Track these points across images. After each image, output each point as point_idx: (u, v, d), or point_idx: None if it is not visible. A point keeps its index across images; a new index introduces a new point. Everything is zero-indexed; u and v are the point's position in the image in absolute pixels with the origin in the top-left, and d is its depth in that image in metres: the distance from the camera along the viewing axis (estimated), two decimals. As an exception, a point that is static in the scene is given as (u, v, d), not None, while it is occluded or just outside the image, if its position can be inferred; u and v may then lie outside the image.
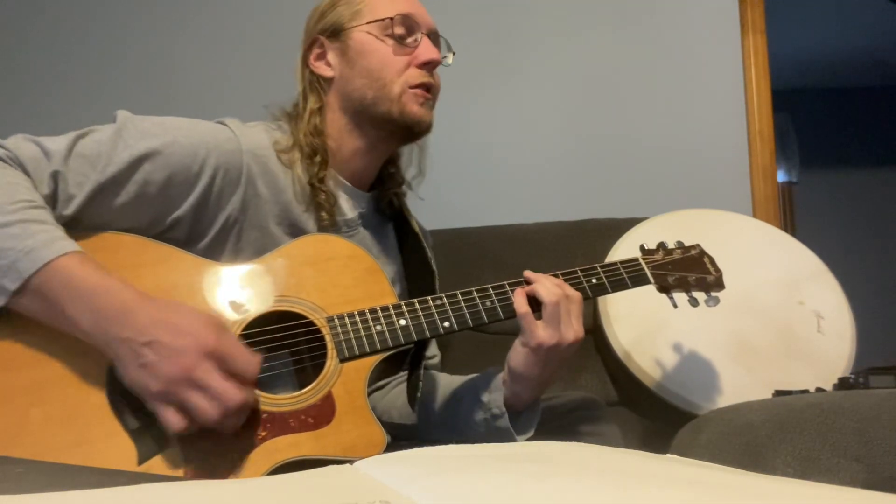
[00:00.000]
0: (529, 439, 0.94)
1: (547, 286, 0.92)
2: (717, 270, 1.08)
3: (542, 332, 0.90)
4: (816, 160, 4.36)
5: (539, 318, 0.92)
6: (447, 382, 1.08)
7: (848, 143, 4.45)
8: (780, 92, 2.20)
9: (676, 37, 1.93)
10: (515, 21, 1.94)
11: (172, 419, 0.73)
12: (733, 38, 1.93)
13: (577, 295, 0.93)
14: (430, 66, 1.01)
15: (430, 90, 1.01)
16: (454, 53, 1.08)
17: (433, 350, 1.20)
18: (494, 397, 0.95)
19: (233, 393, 0.73)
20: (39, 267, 0.73)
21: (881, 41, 3.90)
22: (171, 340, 0.72)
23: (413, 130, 1.01)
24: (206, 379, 0.72)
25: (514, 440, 0.93)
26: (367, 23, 1.00)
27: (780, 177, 4.18)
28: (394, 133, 1.02)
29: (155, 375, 0.72)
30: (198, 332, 0.73)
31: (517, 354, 0.93)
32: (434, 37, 1.04)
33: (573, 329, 0.91)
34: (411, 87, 0.99)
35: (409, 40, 1.00)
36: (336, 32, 1.01)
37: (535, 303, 0.93)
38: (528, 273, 0.95)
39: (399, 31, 0.99)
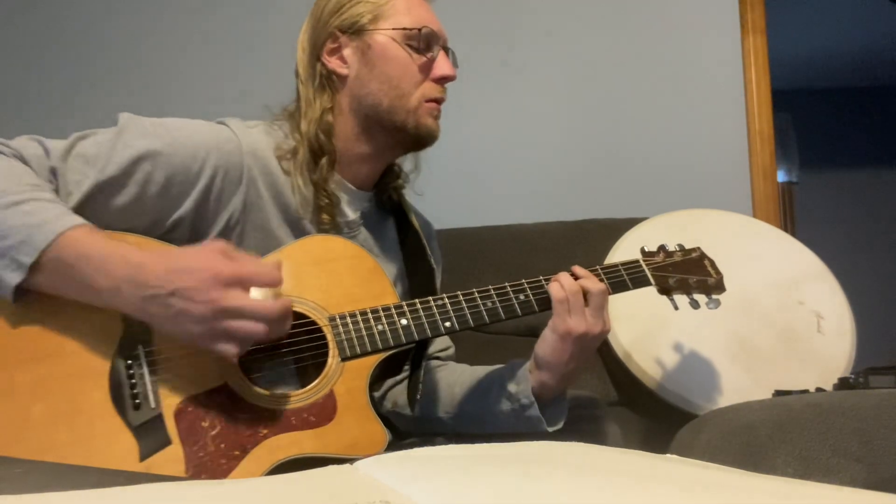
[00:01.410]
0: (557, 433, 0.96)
1: (567, 278, 0.95)
2: (718, 273, 1.08)
3: (570, 320, 0.92)
4: (816, 160, 4.35)
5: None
6: (470, 374, 1.09)
7: (848, 143, 4.44)
8: (780, 92, 2.19)
9: (676, 37, 1.93)
10: (515, 21, 1.94)
11: (227, 349, 0.76)
12: (733, 38, 1.93)
13: (600, 287, 0.95)
14: (445, 81, 1.02)
15: (439, 104, 1.03)
16: (457, 67, 1.09)
17: (446, 342, 1.20)
18: (522, 388, 0.97)
19: (268, 305, 0.77)
20: (53, 238, 0.75)
21: (881, 41, 3.89)
22: (191, 283, 0.75)
23: (423, 142, 1.02)
24: (238, 304, 0.75)
25: (544, 429, 0.95)
26: (393, 28, 0.99)
27: (780, 177, 4.17)
28: (402, 142, 1.03)
29: (191, 319, 0.75)
30: (212, 266, 0.76)
31: (545, 342, 0.95)
32: (447, 51, 1.05)
33: (601, 321, 0.94)
34: (426, 101, 1.00)
35: (429, 53, 1.01)
36: (358, 31, 1.00)
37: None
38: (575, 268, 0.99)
39: (422, 43, 1.00)
